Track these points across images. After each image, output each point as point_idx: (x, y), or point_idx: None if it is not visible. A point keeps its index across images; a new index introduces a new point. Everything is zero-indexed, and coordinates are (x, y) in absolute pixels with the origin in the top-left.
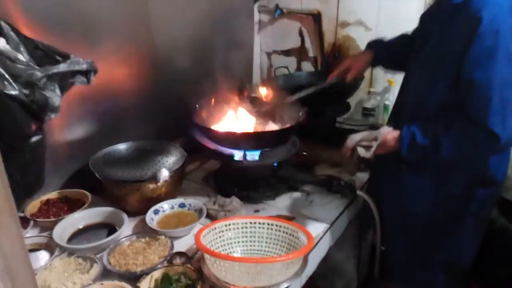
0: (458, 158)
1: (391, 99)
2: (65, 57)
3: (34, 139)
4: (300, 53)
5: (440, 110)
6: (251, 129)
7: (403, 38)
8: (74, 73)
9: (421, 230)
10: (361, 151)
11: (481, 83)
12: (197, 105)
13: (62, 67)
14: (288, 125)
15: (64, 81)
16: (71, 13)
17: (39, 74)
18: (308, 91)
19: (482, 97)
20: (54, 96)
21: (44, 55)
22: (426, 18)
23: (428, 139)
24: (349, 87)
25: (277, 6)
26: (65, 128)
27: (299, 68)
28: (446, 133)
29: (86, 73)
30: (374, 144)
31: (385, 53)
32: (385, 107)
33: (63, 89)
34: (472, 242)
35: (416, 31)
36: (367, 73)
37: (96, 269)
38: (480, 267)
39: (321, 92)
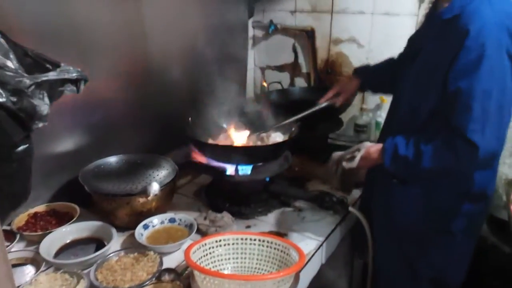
0: (439, 168)
1: (383, 116)
2: (55, 66)
3: (21, 148)
4: (293, 68)
5: (428, 123)
6: (243, 143)
7: (389, 62)
8: (64, 82)
9: (410, 244)
10: (345, 164)
11: (464, 92)
12: (190, 119)
13: (52, 75)
14: (280, 140)
15: (53, 89)
16: (63, 22)
17: (27, 81)
18: (298, 116)
19: (464, 105)
20: (42, 104)
21: (33, 62)
22: (415, 38)
23: (410, 150)
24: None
25: (271, 22)
26: (55, 139)
27: (292, 84)
28: (427, 143)
29: (76, 82)
30: (357, 155)
31: (372, 78)
32: (377, 124)
33: (52, 98)
34: (461, 259)
35: (403, 52)
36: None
37: (82, 285)
38: (471, 286)
39: (314, 105)
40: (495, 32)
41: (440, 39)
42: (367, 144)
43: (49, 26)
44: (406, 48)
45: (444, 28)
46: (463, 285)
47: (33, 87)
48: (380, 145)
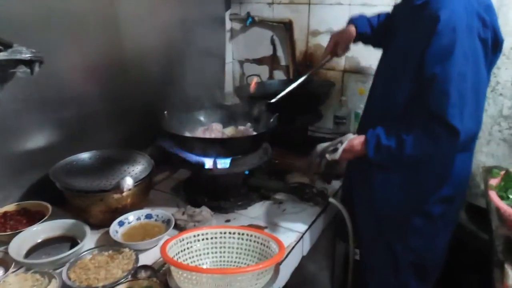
0: (421, 155)
1: (362, 107)
2: (7, 46)
3: None
4: (272, 61)
5: (405, 109)
6: (221, 135)
7: (383, 15)
8: (17, 63)
9: (391, 229)
10: (328, 156)
11: (440, 77)
12: (166, 112)
13: (2, 55)
14: (259, 132)
15: (5, 71)
16: (31, 9)
17: None
18: (303, 78)
19: (441, 91)
20: None
21: None
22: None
23: (392, 140)
24: (321, 94)
25: (248, 14)
26: (24, 136)
27: (271, 77)
28: (408, 132)
29: (30, 63)
30: (340, 147)
31: (367, 26)
32: (356, 115)
33: (4, 80)
34: (440, 244)
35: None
36: (338, 82)
37: (54, 285)
38: (451, 273)
39: (293, 98)
40: (465, 17)
41: (411, 24)
42: (350, 136)
43: (15, 14)
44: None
45: (415, 13)
46: (443, 272)
47: None
48: (362, 137)
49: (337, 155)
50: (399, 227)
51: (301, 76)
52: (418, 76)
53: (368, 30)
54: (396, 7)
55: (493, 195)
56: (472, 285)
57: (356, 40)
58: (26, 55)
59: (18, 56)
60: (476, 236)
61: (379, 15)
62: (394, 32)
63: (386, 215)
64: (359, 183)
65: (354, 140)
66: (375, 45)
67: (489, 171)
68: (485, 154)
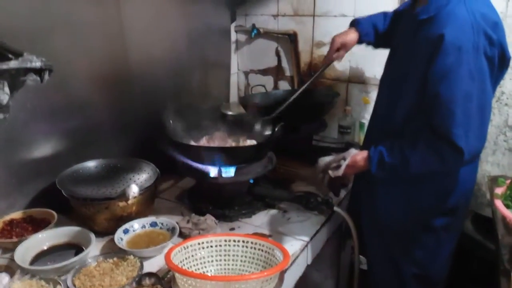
0: (426, 172)
1: (366, 117)
2: (18, 55)
3: None
4: (277, 72)
5: (407, 123)
6: (225, 145)
7: (390, 17)
8: (26, 71)
9: (395, 241)
10: (331, 172)
11: (445, 97)
12: (171, 121)
13: (13, 64)
14: (263, 140)
15: (15, 79)
16: (39, 21)
17: None
18: (306, 84)
19: (446, 110)
20: (2, 94)
21: None
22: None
23: (396, 157)
24: (325, 104)
25: (253, 26)
26: (31, 145)
27: (276, 87)
28: (412, 150)
29: (40, 72)
30: (343, 163)
31: (372, 32)
32: (361, 125)
33: (14, 88)
34: (444, 255)
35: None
36: (343, 92)
37: None
38: (457, 283)
39: (297, 108)
40: (471, 35)
41: (415, 39)
42: (353, 151)
43: (24, 26)
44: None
45: (419, 29)
46: (450, 282)
47: None
48: (365, 153)
49: (340, 172)
50: (402, 240)
51: (300, 87)
52: (420, 92)
53: (371, 38)
54: (399, 15)
55: (498, 204)
56: None
57: (359, 43)
58: (36, 63)
59: (29, 65)
60: (482, 246)
61: (385, 15)
62: (396, 46)
63: (389, 227)
64: (364, 195)
65: (357, 156)
66: (380, 46)
67: (494, 180)
68: (490, 163)
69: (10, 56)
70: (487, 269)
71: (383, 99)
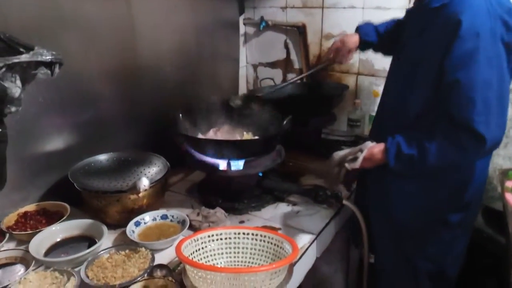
0: (445, 163)
1: (376, 110)
2: (29, 49)
3: None
4: (285, 65)
5: (421, 115)
6: (234, 138)
7: (393, 21)
8: (37, 65)
9: (408, 238)
10: (348, 165)
11: (464, 84)
12: (180, 115)
13: (24, 57)
14: (272, 133)
15: (27, 72)
16: (50, 16)
17: None
18: (299, 77)
19: (466, 97)
20: (14, 87)
21: (6, 46)
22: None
23: (414, 148)
24: (334, 97)
25: (262, 19)
26: (44, 138)
27: (284, 80)
28: (431, 140)
29: (50, 65)
30: (360, 155)
31: (373, 33)
32: (370, 118)
33: (25, 81)
34: (458, 250)
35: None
36: (352, 84)
37: (72, 283)
38: (468, 277)
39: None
40: (488, 21)
41: (428, 28)
42: (369, 144)
43: (35, 20)
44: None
45: (432, 17)
46: (460, 276)
47: (3, 69)
48: (382, 145)
49: (357, 164)
50: (417, 236)
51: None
52: (436, 81)
53: (374, 38)
54: (409, 11)
55: (509, 197)
56: None
57: (363, 48)
58: (47, 57)
59: (40, 58)
60: (493, 240)
61: (387, 22)
62: (407, 37)
63: (403, 224)
64: (375, 190)
65: (374, 148)
66: (385, 52)
67: (505, 174)
68: (502, 157)
69: (21, 50)
70: (498, 263)
71: (392, 93)
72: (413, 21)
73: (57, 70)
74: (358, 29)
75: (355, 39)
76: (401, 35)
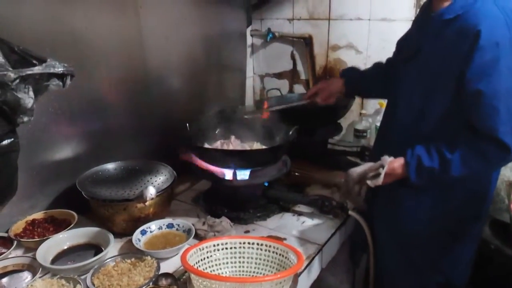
0: (468, 174)
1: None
2: (42, 61)
3: (6, 142)
4: (292, 76)
5: (440, 126)
6: (241, 148)
7: (377, 66)
8: (50, 76)
9: (418, 251)
10: (370, 182)
11: (487, 94)
12: (188, 125)
13: (37, 69)
14: (278, 144)
15: (39, 84)
16: (62, 29)
17: (12, 75)
18: (283, 107)
19: (489, 107)
20: (27, 98)
21: (20, 59)
22: (406, 40)
23: (436, 161)
24: (340, 107)
25: (269, 30)
26: (52, 147)
27: (291, 91)
28: (453, 151)
29: (62, 77)
30: (382, 171)
31: (358, 79)
32: (377, 129)
33: (38, 92)
34: (467, 261)
35: (393, 57)
36: None
37: None
38: None
39: (312, 111)
40: (506, 31)
41: (442, 39)
42: (388, 159)
43: (47, 33)
44: (395, 53)
45: (445, 28)
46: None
47: (17, 81)
48: (402, 160)
49: (380, 181)
50: (427, 248)
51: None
52: (455, 91)
53: (359, 82)
54: (416, 22)
55: None
56: None
57: (348, 92)
58: (59, 69)
59: (52, 70)
60: (501, 251)
61: (374, 67)
62: (417, 50)
63: (413, 234)
64: (384, 202)
65: (394, 162)
66: (372, 97)
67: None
68: (509, 168)
69: (34, 62)
70: (505, 275)
71: (402, 106)
72: (423, 31)
73: (68, 81)
74: (342, 74)
75: (338, 83)
76: (402, 50)
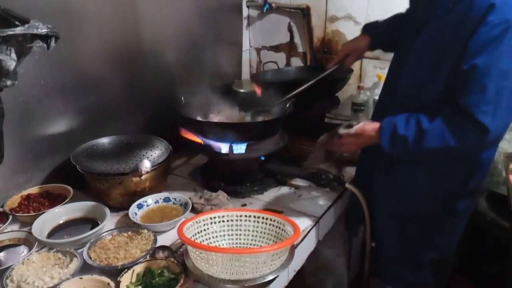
0: (441, 150)
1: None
2: (25, 22)
3: None
4: (289, 48)
5: (440, 102)
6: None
7: (397, 18)
8: (33, 38)
9: (413, 226)
10: (342, 129)
11: (480, 70)
12: (183, 98)
13: (19, 29)
14: (275, 117)
15: (22, 45)
16: (55, 3)
17: None
18: (307, 85)
19: (478, 85)
20: (9, 59)
21: (1, 19)
22: (417, 8)
23: (411, 130)
24: (338, 80)
25: (265, 1)
26: (46, 121)
27: (288, 64)
28: (429, 123)
29: (46, 38)
30: (355, 125)
31: (382, 35)
32: (375, 102)
33: (21, 55)
34: (459, 236)
35: (410, 11)
36: (356, 68)
37: (75, 264)
38: (471, 262)
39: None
40: None
41: (452, 12)
42: (366, 120)
43: (39, 3)
44: (410, 7)
45: (457, 4)
46: (463, 261)
47: None
48: (377, 124)
49: (352, 130)
50: (423, 224)
51: (303, 85)
52: (455, 67)
53: (384, 38)
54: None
55: None
56: (490, 275)
57: (373, 48)
58: (43, 30)
59: (35, 31)
60: (497, 224)
61: (394, 18)
62: (423, 23)
63: (409, 211)
64: (379, 178)
65: (367, 125)
66: (394, 50)
67: (510, 157)
68: (507, 141)
69: (16, 23)
70: (501, 247)
71: (404, 77)
72: (434, 6)
73: (53, 43)
74: (367, 33)
75: (363, 45)
76: (411, 22)
